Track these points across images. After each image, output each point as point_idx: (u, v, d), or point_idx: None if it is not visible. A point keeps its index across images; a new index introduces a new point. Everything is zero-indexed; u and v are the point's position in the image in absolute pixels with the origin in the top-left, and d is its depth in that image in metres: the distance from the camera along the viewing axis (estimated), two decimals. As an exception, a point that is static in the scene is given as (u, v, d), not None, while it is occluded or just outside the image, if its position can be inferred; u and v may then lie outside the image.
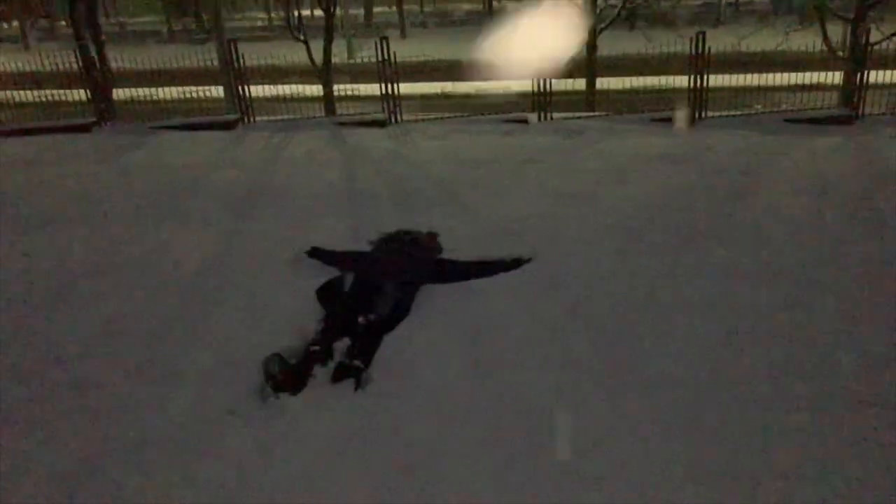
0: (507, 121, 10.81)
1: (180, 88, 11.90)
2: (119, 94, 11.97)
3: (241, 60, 11.13)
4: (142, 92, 11.66)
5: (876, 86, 10.48)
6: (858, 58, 10.52)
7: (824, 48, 11.67)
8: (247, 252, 5.57)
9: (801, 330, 4.03)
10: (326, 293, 4.63)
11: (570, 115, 11.00)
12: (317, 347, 4.07)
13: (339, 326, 4.27)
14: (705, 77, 10.50)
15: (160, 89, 11.81)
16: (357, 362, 3.96)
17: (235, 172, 7.93)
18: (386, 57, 10.85)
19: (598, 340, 4.06)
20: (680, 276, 4.69)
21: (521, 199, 6.37)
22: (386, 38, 10.94)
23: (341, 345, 4.17)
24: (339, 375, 3.88)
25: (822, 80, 10.80)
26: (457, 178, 7.16)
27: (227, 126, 11.11)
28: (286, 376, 3.83)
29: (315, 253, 5.31)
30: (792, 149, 7.91)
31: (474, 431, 3.45)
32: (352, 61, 13.52)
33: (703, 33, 10.51)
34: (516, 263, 4.96)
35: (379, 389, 3.79)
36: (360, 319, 4.26)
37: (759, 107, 11.63)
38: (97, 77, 11.83)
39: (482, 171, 7.42)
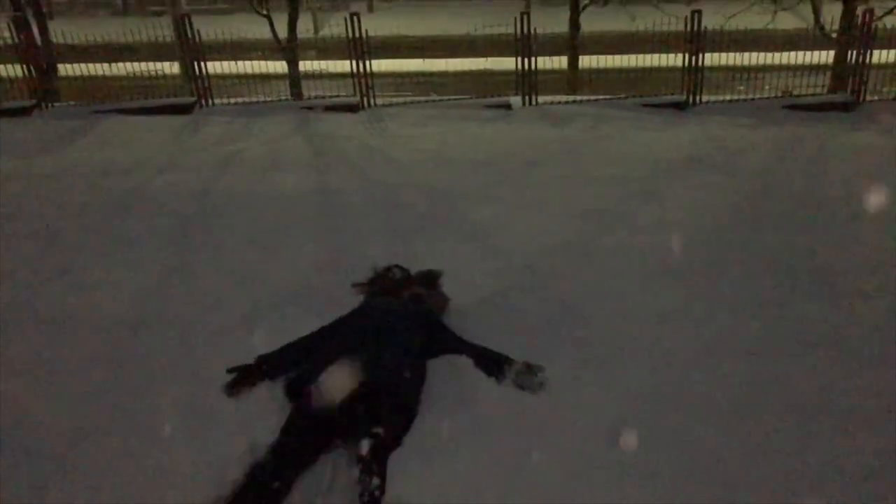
0: (489, 106, 9.15)
1: (133, 65, 9.90)
2: (66, 69, 9.93)
3: (197, 36, 9.19)
4: (90, 68, 9.63)
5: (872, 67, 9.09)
6: (854, 37, 9.10)
7: (815, 27, 10.24)
8: (190, 301, 3.88)
9: None
10: (300, 388, 2.97)
11: (555, 98, 9.38)
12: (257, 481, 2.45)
13: (310, 445, 2.68)
14: (701, 59, 8.97)
15: (111, 66, 9.79)
16: None
17: (186, 175, 6.14)
18: (357, 34, 9.04)
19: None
20: (802, 380, 2.98)
21: (536, 220, 4.74)
22: (357, 15, 9.10)
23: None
24: None
25: (813, 60, 9.40)
26: (452, 187, 5.49)
27: (183, 110, 9.21)
28: None
29: (260, 367, 3.14)
30: (828, 150, 6.41)
31: None
32: (318, 35, 11.56)
33: (699, 11, 8.94)
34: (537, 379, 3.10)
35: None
36: (364, 440, 2.67)
37: (742, 88, 10.20)
38: (37, 53, 9.77)
39: (480, 176, 5.75)
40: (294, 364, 3.10)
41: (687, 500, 2.42)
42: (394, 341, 3.08)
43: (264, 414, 2.93)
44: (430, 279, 3.84)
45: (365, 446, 2.63)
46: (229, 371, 3.09)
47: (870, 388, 2.91)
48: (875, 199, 4.83)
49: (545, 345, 3.26)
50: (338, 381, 2.81)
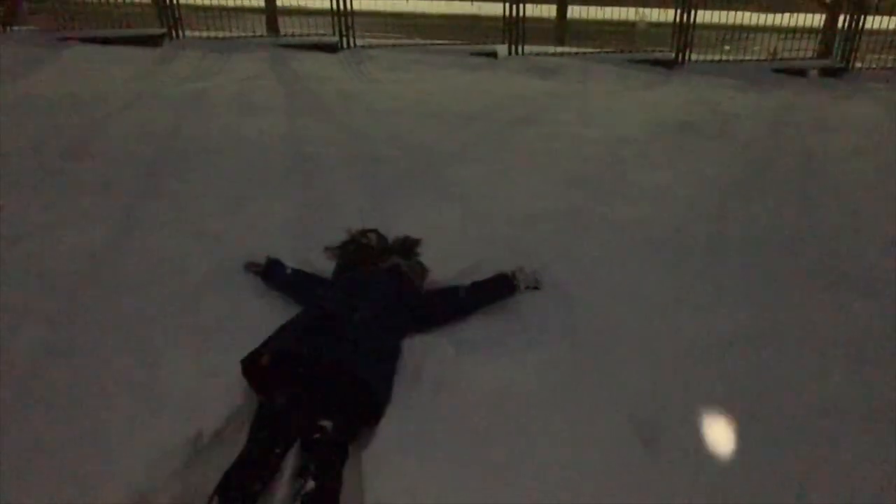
0: (474, 53, 8.56)
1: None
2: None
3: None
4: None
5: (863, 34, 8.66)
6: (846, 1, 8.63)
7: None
8: (144, 259, 3.44)
9: None
10: (260, 370, 2.59)
11: (542, 49, 8.82)
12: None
13: (277, 442, 2.31)
14: (693, 16, 8.45)
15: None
16: None
17: (150, 114, 5.57)
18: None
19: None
20: (807, 379, 2.70)
21: (523, 184, 4.31)
22: (339, -53, 8.36)
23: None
24: None
25: (802, 23, 8.95)
26: (434, 142, 5.02)
27: (152, 41, 8.48)
28: None
29: (267, 270, 3.25)
30: (823, 119, 5.99)
31: None
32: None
33: (694, -35, 8.39)
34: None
35: None
36: (317, 429, 2.30)
37: (728, 48, 9.75)
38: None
39: (464, 132, 5.28)
40: (285, 282, 3.16)
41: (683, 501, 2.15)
42: (365, 319, 2.70)
43: (216, 396, 2.56)
44: (408, 246, 3.45)
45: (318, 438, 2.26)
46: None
47: (876, 390, 2.63)
48: (877, 177, 4.51)
49: (532, 330, 2.90)
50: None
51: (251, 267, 3.29)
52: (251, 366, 2.55)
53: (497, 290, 3.09)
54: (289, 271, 3.21)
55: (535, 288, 3.16)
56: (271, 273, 3.21)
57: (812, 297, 3.19)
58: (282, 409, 2.38)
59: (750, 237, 3.70)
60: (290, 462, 2.28)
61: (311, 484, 2.13)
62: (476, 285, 3.09)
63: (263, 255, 3.30)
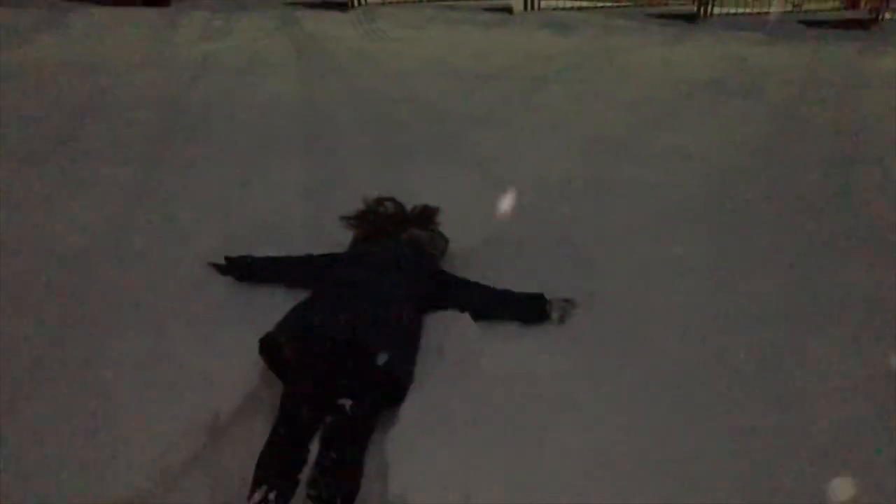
0: (488, 9, 8.24)
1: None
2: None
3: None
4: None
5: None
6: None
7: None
8: (154, 231, 3.28)
9: None
10: (279, 349, 2.46)
11: (558, 3, 8.47)
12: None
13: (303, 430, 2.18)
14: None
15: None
16: None
17: (157, 78, 5.37)
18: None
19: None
20: (839, 356, 2.47)
21: (544, 147, 4.10)
22: None
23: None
24: None
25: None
26: (451, 104, 4.79)
27: (160, 2, 8.21)
28: None
29: (234, 267, 2.94)
30: (854, 74, 5.68)
31: None
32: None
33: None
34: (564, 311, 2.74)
35: None
36: (335, 409, 2.18)
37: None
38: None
39: (482, 92, 5.04)
40: (272, 277, 2.85)
41: (710, 481, 2.02)
42: (385, 293, 2.55)
43: (232, 377, 2.44)
44: (427, 216, 3.26)
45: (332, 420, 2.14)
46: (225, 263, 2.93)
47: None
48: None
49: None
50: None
51: (219, 269, 2.95)
52: (269, 346, 2.42)
53: (526, 311, 2.73)
54: (268, 265, 2.90)
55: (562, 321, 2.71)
56: (241, 273, 2.90)
57: (847, 264, 3.00)
58: (305, 390, 2.26)
59: (782, 201, 3.49)
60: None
61: (315, 472, 2.01)
62: (505, 296, 2.76)
63: (280, 228, 3.15)
